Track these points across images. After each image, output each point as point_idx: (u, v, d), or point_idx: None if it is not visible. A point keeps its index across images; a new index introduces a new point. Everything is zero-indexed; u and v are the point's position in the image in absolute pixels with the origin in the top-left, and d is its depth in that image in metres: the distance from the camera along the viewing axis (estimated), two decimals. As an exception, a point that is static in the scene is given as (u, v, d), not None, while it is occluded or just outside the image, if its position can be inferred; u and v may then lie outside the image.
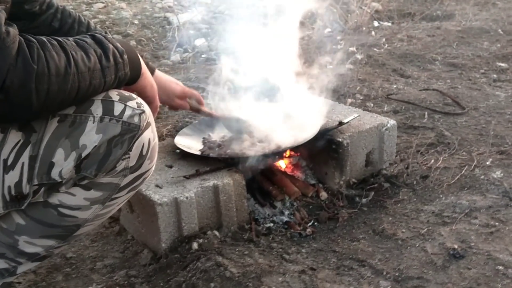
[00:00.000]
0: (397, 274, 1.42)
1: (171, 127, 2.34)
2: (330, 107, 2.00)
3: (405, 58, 3.41)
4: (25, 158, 0.94)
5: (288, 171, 1.91)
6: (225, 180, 1.61)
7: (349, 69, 3.06)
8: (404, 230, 1.63)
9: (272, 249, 1.56)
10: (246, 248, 1.52)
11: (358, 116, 1.93)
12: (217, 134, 1.92)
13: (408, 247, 1.53)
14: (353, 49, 3.50)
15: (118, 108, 1.01)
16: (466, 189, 1.82)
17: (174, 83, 1.62)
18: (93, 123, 0.98)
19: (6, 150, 0.93)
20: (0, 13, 0.84)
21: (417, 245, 1.54)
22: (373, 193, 1.86)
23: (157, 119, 2.56)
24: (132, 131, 1.01)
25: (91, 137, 0.97)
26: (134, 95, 1.08)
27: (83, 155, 0.97)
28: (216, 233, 1.58)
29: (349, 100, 2.64)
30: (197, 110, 1.71)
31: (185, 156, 1.76)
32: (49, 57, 0.86)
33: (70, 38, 0.96)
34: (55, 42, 0.90)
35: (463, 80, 3.01)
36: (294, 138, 1.77)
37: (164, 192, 1.55)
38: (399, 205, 1.78)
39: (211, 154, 1.72)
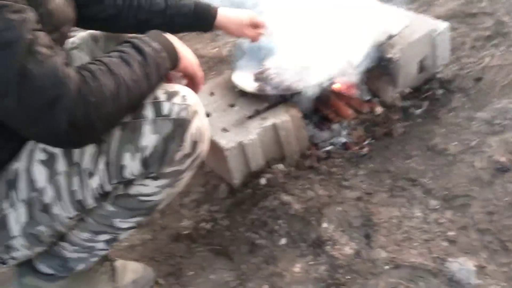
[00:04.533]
0: (446, 192, 1.57)
1: (231, 46, 2.44)
2: (378, 13, 1.98)
3: None
4: (101, 165, 1.14)
5: (343, 90, 2.01)
6: (283, 117, 1.77)
7: None
8: (455, 143, 1.73)
9: (331, 175, 1.74)
10: (307, 179, 1.71)
11: (407, 26, 1.93)
12: (271, 62, 2.01)
13: (458, 163, 1.65)
14: None
15: (166, 107, 1.13)
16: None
17: (240, 13, 1.63)
18: (148, 125, 1.12)
19: (86, 161, 1.13)
20: (57, 57, 0.95)
21: (466, 160, 1.65)
22: (427, 102, 1.93)
23: (216, 36, 2.68)
24: (182, 125, 1.15)
25: (149, 138, 1.12)
26: (178, 89, 1.18)
27: (146, 155, 1.13)
28: (281, 166, 1.78)
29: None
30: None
31: (244, 92, 1.91)
32: (102, 85, 0.98)
33: (115, 54, 1.06)
34: (103, 67, 1.01)
35: None
36: (345, 62, 1.83)
37: (229, 136, 1.75)
38: (451, 113, 1.86)
39: (267, 92, 1.85)
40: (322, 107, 1.96)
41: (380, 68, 1.92)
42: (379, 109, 1.96)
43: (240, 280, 1.49)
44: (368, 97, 2.01)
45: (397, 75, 1.91)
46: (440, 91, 1.95)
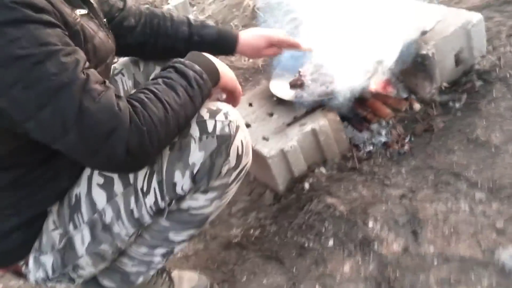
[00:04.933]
0: (491, 185, 1.57)
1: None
2: (410, 10, 1.99)
3: None
4: (154, 184, 1.21)
5: (379, 89, 2.03)
6: (321, 122, 1.81)
7: None
8: (497, 134, 1.72)
9: (374, 174, 1.77)
10: (350, 181, 1.75)
11: (440, 21, 1.93)
12: (306, 68, 2.05)
13: (501, 154, 1.64)
14: None
15: (210, 125, 1.20)
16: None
17: (258, 37, 1.68)
18: (195, 143, 1.19)
19: (140, 181, 1.21)
20: (109, 91, 1.03)
21: (510, 151, 1.64)
22: (466, 95, 1.93)
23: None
24: (226, 140, 1.21)
25: (196, 156, 1.19)
26: (219, 106, 1.24)
27: (195, 171, 1.20)
28: (323, 169, 1.82)
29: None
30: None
31: (282, 100, 1.96)
32: (152, 114, 1.05)
33: (160, 81, 1.13)
34: (151, 96, 1.08)
35: None
36: (379, 61, 1.85)
37: (271, 144, 1.80)
38: (492, 105, 1.85)
39: (303, 99, 1.89)
40: (360, 108, 1.98)
41: (416, 65, 1.93)
42: (417, 106, 1.97)
43: (292, 282, 1.53)
44: (405, 95, 2.02)
45: (433, 71, 1.91)
46: (479, 83, 1.94)
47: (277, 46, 1.71)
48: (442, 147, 1.78)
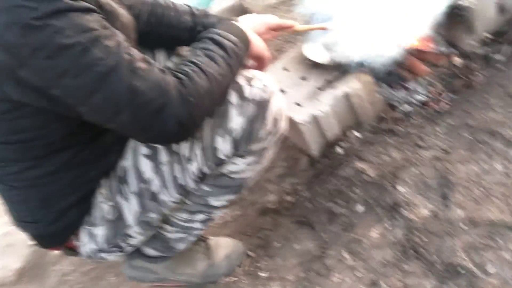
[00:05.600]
0: (527, 142, 1.50)
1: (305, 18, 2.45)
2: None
3: None
4: (197, 150, 1.26)
5: (416, 45, 1.94)
6: (354, 85, 1.78)
7: None
8: (540, 88, 1.62)
9: (408, 136, 1.73)
10: (383, 143, 1.72)
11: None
12: (340, 29, 2.00)
13: (543, 109, 1.56)
14: None
15: (247, 91, 1.24)
16: None
17: (257, 24, 1.54)
18: (234, 109, 1.24)
19: (184, 149, 1.26)
20: (154, 67, 1.07)
21: (551, 106, 1.55)
22: (509, 47, 1.81)
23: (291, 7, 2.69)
24: (263, 105, 1.25)
25: (236, 121, 1.24)
26: (254, 73, 1.28)
27: (235, 136, 1.25)
28: (356, 133, 1.80)
29: None
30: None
31: (316, 63, 1.94)
32: (198, 85, 1.10)
33: (200, 53, 1.17)
34: (195, 68, 1.12)
35: None
36: (416, 15, 1.77)
37: (303, 110, 1.80)
38: (538, 55, 1.73)
39: (336, 61, 1.86)
40: (396, 67, 1.92)
41: (455, 16, 1.83)
42: (457, 61, 1.88)
43: (322, 248, 1.57)
44: (444, 49, 1.93)
45: (474, 21, 1.81)
46: (524, 32, 1.81)
47: (275, 30, 1.67)
48: (481, 103, 1.71)
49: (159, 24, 1.52)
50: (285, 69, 2.06)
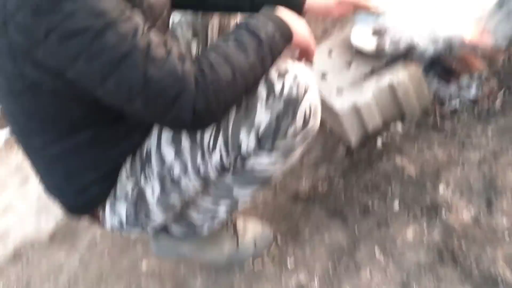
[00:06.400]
0: None
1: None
2: None
3: None
4: (220, 142, 1.22)
5: (472, 38, 1.83)
6: (400, 75, 1.69)
7: None
8: None
9: (455, 134, 1.64)
10: (426, 140, 1.64)
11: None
12: (391, 15, 1.90)
13: None
14: None
15: (278, 86, 1.18)
16: None
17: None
18: (262, 103, 1.18)
19: (206, 139, 1.22)
20: (172, 54, 1.02)
21: None
22: None
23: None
24: (293, 102, 1.19)
25: (262, 116, 1.19)
26: (289, 67, 1.21)
27: (260, 131, 1.20)
28: (399, 126, 1.72)
29: None
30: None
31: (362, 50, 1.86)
32: (219, 76, 1.04)
33: (230, 41, 1.10)
34: (220, 57, 1.06)
35: None
36: (473, 6, 1.67)
37: (344, 97, 1.73)
38: None
39: (384, 48, 1.77)
40: (448, 60, 1.81)
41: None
42: (516, 57, 1.76)
43: (353, 242, 1.51)
44: (504, 43, 1.81)
45: (537, 17, 1.68)
46: None
47: (347, 5, 1.59)
48: (538, 105, 1.60)
49: None
50: (330, 52, 1.99)
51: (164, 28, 1.29)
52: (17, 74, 1.07)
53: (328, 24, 2.38)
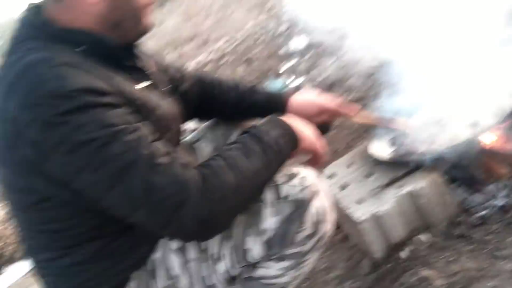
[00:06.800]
0: None
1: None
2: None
3: None
4: (226, 250, 1.18)
5: (495, 144, 1.78)
6: (421, 184, 1.64)
7: None
8: None
9: (485, 244, 1.53)
10: (454, 250, 1.53)
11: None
12: (408, 123, 1.89)
13: None
14: None
15: (284, 190, 1.16)
16: None
17: (309, 104, 1.56)
18: (268, 208, 1.15)
19: (213, 247, 1.18)
20: (176, 163, 1.00)
21: None
22: None
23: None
24: (301, 206, 1.15)
25: (269, 222, 1.15)
26: (297, 170, 1.19)
27: (267, 237, 1.16)
28: (423, 237, 1.62)
29: None
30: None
31: (382, 160, 1.83)
32: (222, 183, 1.01)
33: (234, 148, 1.09)
34: (223, 163, 1.03)
35: None
36: (493, 109, 1.65)
37: (364, 208, 1.67)
38: None
39: (403, 158, 1.74)
40: (472, 167, 1.76)
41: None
42: (543, 164, 1.69)
43: None
44: (527, 151, 1.75)
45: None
46: None
47: (328, 114, 1.58)
48: None
49: (205, 99, 1.52)
50: (350, 164, 1.97)
51: (176, 140, 1.31)
52: (27, 189, 1.09)
53: (350, 138, 2.39)
